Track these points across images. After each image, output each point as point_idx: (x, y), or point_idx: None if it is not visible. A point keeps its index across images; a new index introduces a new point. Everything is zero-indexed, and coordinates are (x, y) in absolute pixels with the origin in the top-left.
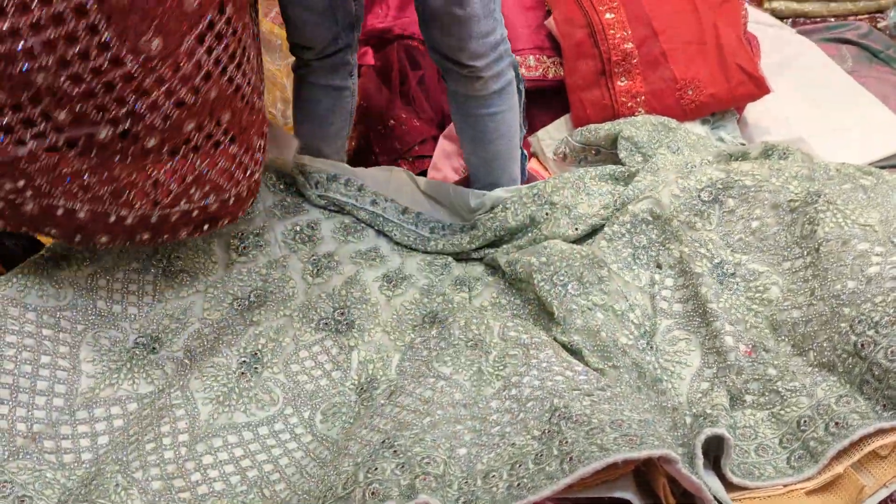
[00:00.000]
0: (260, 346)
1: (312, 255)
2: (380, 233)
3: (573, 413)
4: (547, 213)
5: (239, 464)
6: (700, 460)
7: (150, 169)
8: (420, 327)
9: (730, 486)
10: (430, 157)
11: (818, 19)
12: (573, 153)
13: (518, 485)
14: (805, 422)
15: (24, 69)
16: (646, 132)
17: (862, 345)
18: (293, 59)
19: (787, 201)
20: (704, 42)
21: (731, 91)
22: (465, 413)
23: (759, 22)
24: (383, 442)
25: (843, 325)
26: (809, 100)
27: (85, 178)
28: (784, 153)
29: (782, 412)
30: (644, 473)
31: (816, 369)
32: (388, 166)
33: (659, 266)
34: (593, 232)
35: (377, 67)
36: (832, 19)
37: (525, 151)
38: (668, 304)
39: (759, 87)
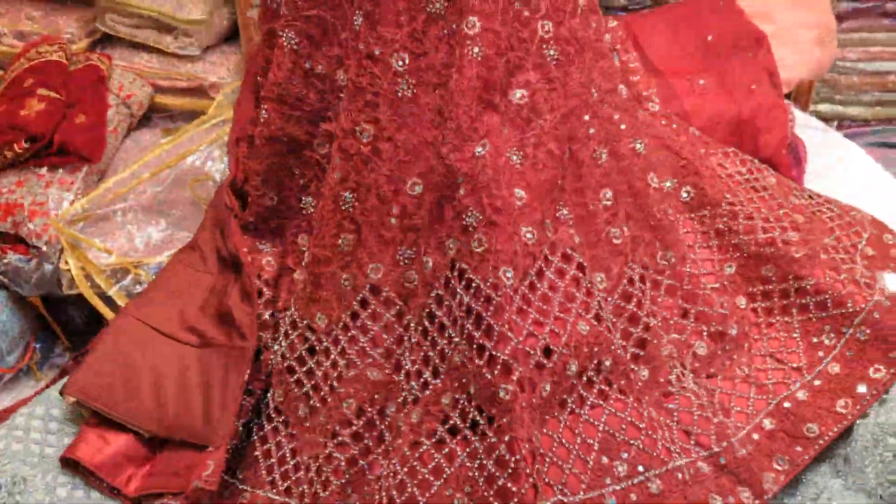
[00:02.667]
0: None
1: None
2: None
3: None
4: None
5: None
6: None
7: None
8: None
9: None
10: None
11: (862, 123)
12: None
13: None
14: None
15: None
16: None
17: None
18: None
19: None
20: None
21: None
22: None
23: (805, 125)
24: None
25: (887, 454)
26: (857, 205)
27: None
28: None
29: None
30: None
31: (853, 492)
32: None
33: None
34: None
35: None
36: (875, 123)
37: None
38: None
39: None
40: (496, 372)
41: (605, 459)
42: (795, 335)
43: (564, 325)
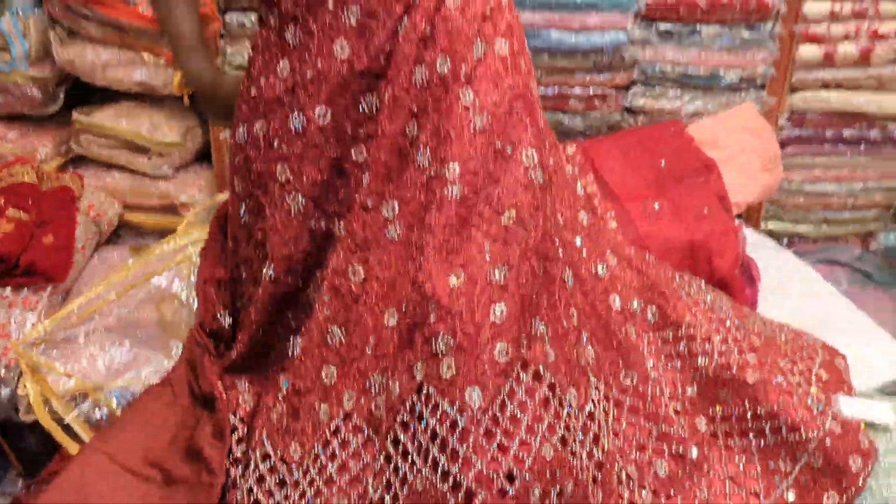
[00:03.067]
0: None
1: None
2: None
3: None
4: None
5: None
6: None
7: None
8: None
9: None
10: None
11: (811, 241)
12: None
13: None
14: None
15: None
16: None
17: None
18: None
19: None
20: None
21: None
22: None
23: (757, 245)
24: None
25: None
26: (807, 325)
27: None
28: None
29: None
30: None
31: None
32: None
33: None
34: None
35: None
36: (823, 241)
37: None
38: None
39: None
40: (460, 497)
41: None
42: (753, 460)
43: (529, 450)
